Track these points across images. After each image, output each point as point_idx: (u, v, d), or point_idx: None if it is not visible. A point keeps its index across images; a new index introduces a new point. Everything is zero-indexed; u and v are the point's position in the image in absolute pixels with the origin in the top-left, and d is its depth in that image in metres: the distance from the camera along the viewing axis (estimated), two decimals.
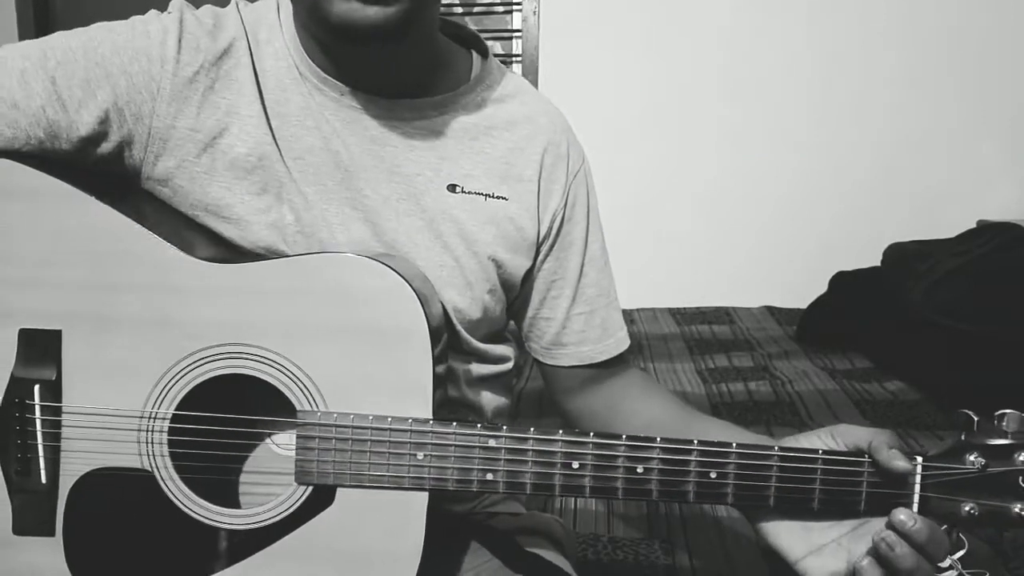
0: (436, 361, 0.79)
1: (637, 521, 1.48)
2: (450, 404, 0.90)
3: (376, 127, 0.88)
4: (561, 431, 0.77)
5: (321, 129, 0.87)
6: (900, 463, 0.74)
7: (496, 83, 0.94)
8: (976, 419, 0.75)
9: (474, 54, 0.96)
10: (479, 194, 0.90)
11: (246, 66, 0.86)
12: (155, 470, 0.79)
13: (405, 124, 0.89)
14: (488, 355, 0.95)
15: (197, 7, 0.89)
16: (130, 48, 0.83)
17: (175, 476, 0.79)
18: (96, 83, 0.82)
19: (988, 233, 2.56)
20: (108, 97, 0.82)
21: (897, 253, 2.75)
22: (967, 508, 0.74)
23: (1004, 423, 0.74)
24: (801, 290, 2.84)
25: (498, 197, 0.91)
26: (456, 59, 0.94)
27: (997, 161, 3.15)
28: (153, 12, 0.86)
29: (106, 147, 0.84)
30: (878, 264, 2.82)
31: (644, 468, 0.76)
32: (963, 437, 0.75)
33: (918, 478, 0.75)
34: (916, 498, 0.75)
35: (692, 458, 0.76)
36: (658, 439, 0.76)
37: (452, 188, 0.90)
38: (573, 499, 1.54)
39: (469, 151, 0.91)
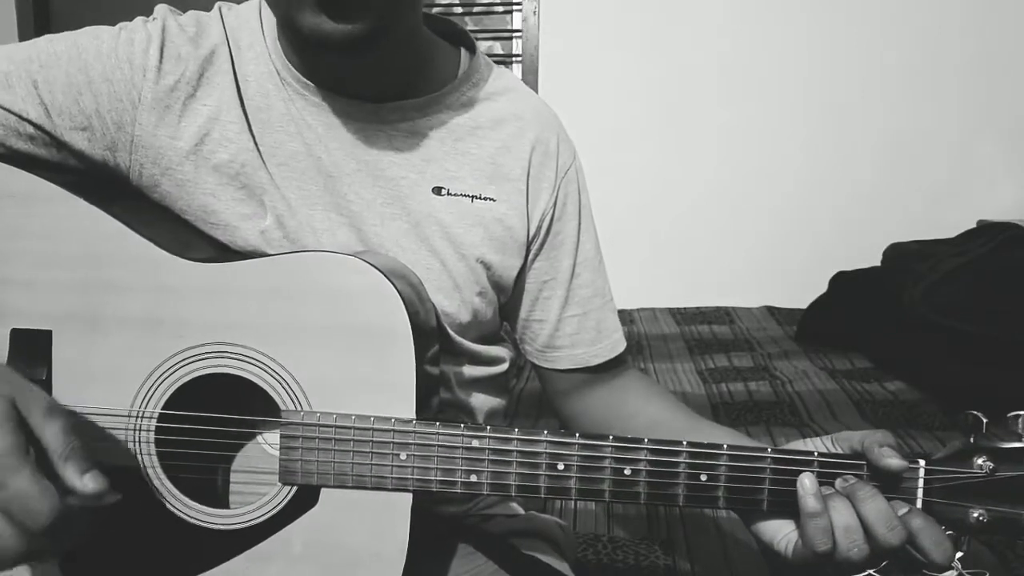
0: (425, 363, 0.78)
1: (637, 522, 1.48)
2: (442, 405, 0.90)
3: (359, 131, 0.87)
4: (546, 431, 0.75)
5: (303, 135, 0.86)
6: (891, 461, 0.71)
7: (483, 80, 0.93)
8: (985, 421, 0.72)
9: (462, 51, 0.95)
10: (465, 196, 0.90)
11: (227, 72, 0.86)
12: (143, 469, 0.79)
13: (388, 127, 0.88)
14: (481, 356, 0.95)
15: (183, 10, 0.89)
16: (113, 55, 0.83)
17: (162, 475, 0.78)
18: (78, 89, 0.82)
19: (988, 233, 2.56)
20: (90, 103, 0.82)
21: (897, 253, 2.75)
22: (975, 514, 0.71)
23: (1016, 425, 0.71)
24: (801, 290, 2.84)
25: (485, 198, 0.90)
26: (442, 57, 0.93)
27: (997, 161, 3.15)
28: (139, 19, 0.86)
29: (92, 153, 0.84)
30: (878, 264, 2.83)
31: (631, 470, 0.74)
32: (971, 440, 0.72)
33: (920, 482, 0.72)
34: (919, 502, 0.72)
35: (681, 460, 0.74)
36: (645, 440, 0.75)
37: (437, 190, 0.89)
38: (572, 500, 1.54)
39: (454, 152, 0.90)
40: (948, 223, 2.84)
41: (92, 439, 0.78)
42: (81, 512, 0.64)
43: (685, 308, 3.10)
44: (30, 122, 0.82)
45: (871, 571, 0.73)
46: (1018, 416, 0.71)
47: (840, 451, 0.76)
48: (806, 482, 0.72)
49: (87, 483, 0.63)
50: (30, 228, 0.80)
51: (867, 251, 2.87)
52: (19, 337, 0.79)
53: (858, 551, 0.70)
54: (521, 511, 1.04)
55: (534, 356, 1.01)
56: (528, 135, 0.93)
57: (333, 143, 0.87)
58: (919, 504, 0.73)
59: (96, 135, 0.83)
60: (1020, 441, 0.71)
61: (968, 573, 0.72)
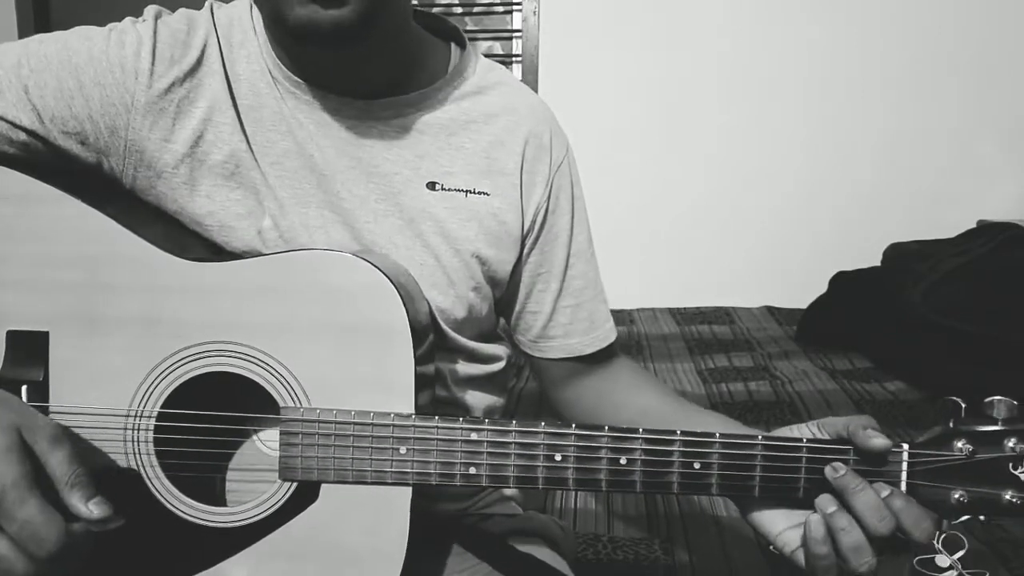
0: (421, 360, 0.78)
1: (637, 521, 1.48)
2: (438, 403, 0.90)
3: (351, 128, 0.87)
4: (543, 423, 0.76)
5: (295, 133, 0.86)
6: (877, 441, 0.73)
7: (474, 75, 0.93)
8: (963, 406, 0.75)
9: (452, 46, 0.95)
10: (459, 191, 0.90)
11: (218, 72, 0.86)
12: (141, 469, 0.78)
13: (381, 123, 0.88)
14: (477, 354, 0.95)
15: (174, 9, 0.88)
16: (104, 59, 0.82)
17: (161, 475, 0.78)
18: (70, 94, 0.81)
19: (988, 233, 2.56)
20: (82, 109, 0.82)
21: (897, 253, 2.75)
22: (956, 495, 0.74)
23: (992, 410, 0.74)
24: (801, 290, 2.84)
25: (479, 192, 0.90)
26: (433, 53, 0.93)
27: (997, 161, 3.15)
28: (128, 20, 0.85)
29: (85, 157, 0.84)
30: (878, 264, 2.82)
31: (627, 459, 0.76)
32: (951, 424, 0.75)
33: (904, 465, 0.75)
34: (903, 485, 0.75)
35: (675, 448, 0.76)
36: (640, 430, 0.76)
37: (431, 186, 0.89)
38: (573, 499, 1.55)
39: (447, 147, 0.90)
40: (948, 223, 2.84)
41: (91, 440, 0.78)
42: (86, 536, 0.66)
43: (685, 308, 3.10)
44: (23, 128, 0.81)
45: None
46: (992, 401, 0.74)
47: (826, 436, 0.78)
48: (814, 527, 0.74)
49: (93, 510, 0.66)
50: (25, 229, 0.80)
51: (867, 251, 2.87)
52: (16, 339, 0.79)
53: (867, 567, 0.72)
54: (520, 511, 1.04)
55: (527, 346, 1.01)
56: (521, 129, 0.93)
57: (325, 141, 0.87)
58: (903, 487, 0.75)
59: (89, 139, 0.83)
60: (996, 425, 0.73)
61: (968, 573, 0.74)
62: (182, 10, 0.88)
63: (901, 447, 0.75)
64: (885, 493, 0.73)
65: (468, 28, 3.50)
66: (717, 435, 0.76)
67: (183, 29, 0.85)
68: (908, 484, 0.75)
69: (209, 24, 0.87)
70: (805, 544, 0.75)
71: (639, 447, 0.76)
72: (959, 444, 0.74)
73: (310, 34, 0.76)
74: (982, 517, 0.74)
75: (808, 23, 3.17)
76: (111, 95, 0.82)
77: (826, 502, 0.74)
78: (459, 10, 3.50)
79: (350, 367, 0.76)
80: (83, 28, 0.85)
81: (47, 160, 0.83)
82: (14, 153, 0.83)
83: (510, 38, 3.47)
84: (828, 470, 0.75)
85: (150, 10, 0.87)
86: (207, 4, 0.90)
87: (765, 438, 0.77)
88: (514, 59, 3.41)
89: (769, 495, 0.77)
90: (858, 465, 0.75)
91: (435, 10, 3.28)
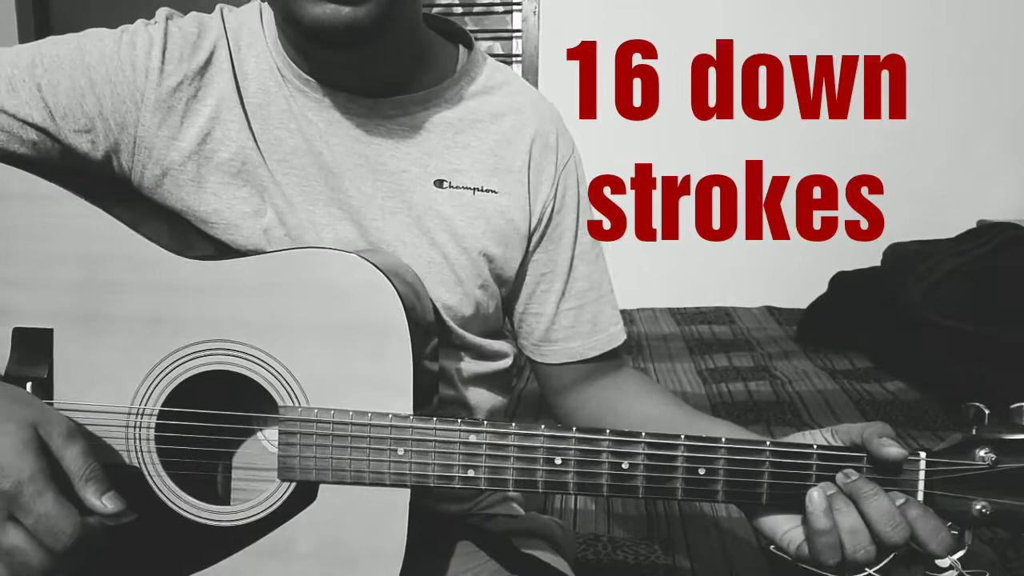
0: (422, 359, 0.78)
1: (637, 521, 1.48)
2: (444, 402, 0.90)
3: (360, 126, 0.88)
4: (543, 425, 0.75)
5: (304, 131, 0.87)
6: (891, 449, 0.71)
7: (481, 75, 0.94)
8: (987, 412, 0.71)
9: (460, 47, 0.96)
10: (467, 188, 0.90)
11: (227, 71, 0.86)
12: (143, 466, 0.79)
13: (389, 121, 0.89)
14: (484, 350, 0.95)
15: (184, 12, 0.89)
16: (116, 58, 0.83)
17: (162, 472, 0.79)
18: (81, 91, 0.83)
19: (988, 233, 2.56)
20: (93, 106, 0.83)
21: (897, 253, 2.75)
22: (978, 507, 0.70)
23: (1019, 417, 0.70)
24: (801, 290, 2.83)
25: (487, 190, 0.91)
26: (441, 53, 0.94)
27: (997, 161, 3.14)
28: (140, 22, 0.87)
29: (94, 154, 0.85)
30: (878, 264, 2.82)
31: (629, 464, 0.74)
32: (973, 431, 0.71)
33: (922, 474, 0.72)
34: (920, 495, 0.72)
35: (679, 454, 0.74)
36: (643, 434, 0.74)
37: (439, 184, 0.89)
38: (573, 500, 1.55)
39: (455, 145, 0.90)
40: (948, 223, 2.84)
41: (93, 437, 0.79)
42: (100, 530, 0.68)
43: (685, 308, 3.10)
44: (34, 126, 0.82)
45: (871, 571, 0.73)
46: (1020, 407, 0.70)
47: (840, 444, 0.76)
48: (815, 497, 0.72)
49: (106, 504, 0.68)
50: (30, 227, 0.80)
51: (867, 251, 2.87)
52: (21, 336, 0.80)
53: (864, 553, 0.70)
54: (522, 511, 1.04)
55: (530, 350, 1.01)
56: (528, 128, 0.93)
57: (334, 138, 0.87)
58: (920, 497, 0.72)
59: (99, 137, 0.84)
60: (1022, 433, 0.70)
61: (968, 573, 0.72)
62: (193, 13, 0.89)
63: (918, 455, 0.72)
64: (900, 501, 0.70)
65: (468, 28, 3.49)
66: (723, 440, 0.74)
67: (194, 32, 0.87)
68: (926, 494, 0.72)
69: (220, 27, 0.88)
70: (807, 522, 0.72)
71: (641, 451, 0.74)
72: (981, 453, 0.70)
73: (325, 33, 0.76)
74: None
75: (807, 23, 3.17)
76: (122, 92, 0.83)
77: (826, 485, 0.72)
78: (459, 10, 3.51)
79: (348, 366, 0.76)
80: (95, 30, 0.86)
81: (56, 159, 0.84)
82: (24, 152, 0.84)
83: (510, 38, 3.47)
84: (840, 476, 0.72)
85: (161, 12, 0.88)
86: (217, 7, 0.91)
87: (773, 444, 0.74)
88: (514, 59, 3.41)
89: (777, 503, 0.75)
90: (872, 474, 0.72)
91: (435, 10, 3.29)
